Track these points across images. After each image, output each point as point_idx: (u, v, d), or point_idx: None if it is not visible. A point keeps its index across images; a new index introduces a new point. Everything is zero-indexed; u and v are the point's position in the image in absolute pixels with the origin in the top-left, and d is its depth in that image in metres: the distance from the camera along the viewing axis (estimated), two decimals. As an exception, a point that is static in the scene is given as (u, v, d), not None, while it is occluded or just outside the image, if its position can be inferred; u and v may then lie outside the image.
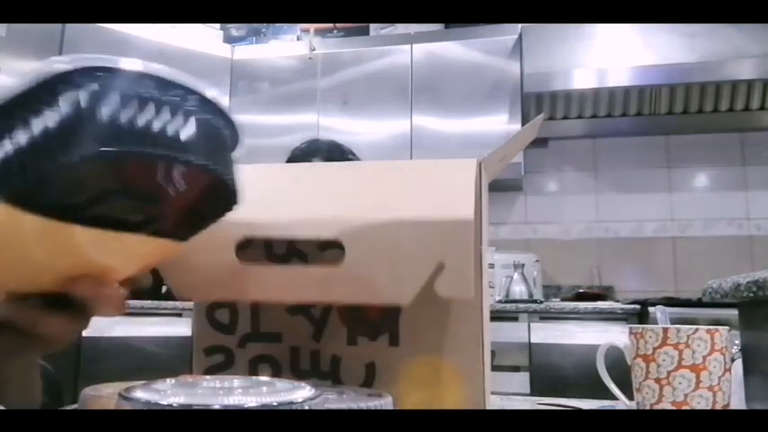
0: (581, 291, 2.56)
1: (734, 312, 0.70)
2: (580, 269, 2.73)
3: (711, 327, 0.55)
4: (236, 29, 3.04)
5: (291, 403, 0.24)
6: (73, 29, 2.55)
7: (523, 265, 2.48)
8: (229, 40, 3.00)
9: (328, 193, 0.42)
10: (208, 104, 0.29)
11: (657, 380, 0.55)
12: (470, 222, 0.36)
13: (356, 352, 0.43)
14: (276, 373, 0.44)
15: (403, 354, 0.42)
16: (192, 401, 0.23)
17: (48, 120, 0.26)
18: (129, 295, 0.34)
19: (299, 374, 0.44)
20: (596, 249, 2.74)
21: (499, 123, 2.58)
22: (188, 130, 0.28)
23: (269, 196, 0.41)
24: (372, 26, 2.91)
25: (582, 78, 2.43)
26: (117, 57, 0.27)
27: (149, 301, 2.25)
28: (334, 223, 0.38)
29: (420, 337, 0.42)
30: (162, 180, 0.30)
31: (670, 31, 2.34)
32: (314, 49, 2.82)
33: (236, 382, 0.27)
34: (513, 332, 2.22)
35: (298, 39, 2.99)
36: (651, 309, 2.07)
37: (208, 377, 0.28)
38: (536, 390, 2.15)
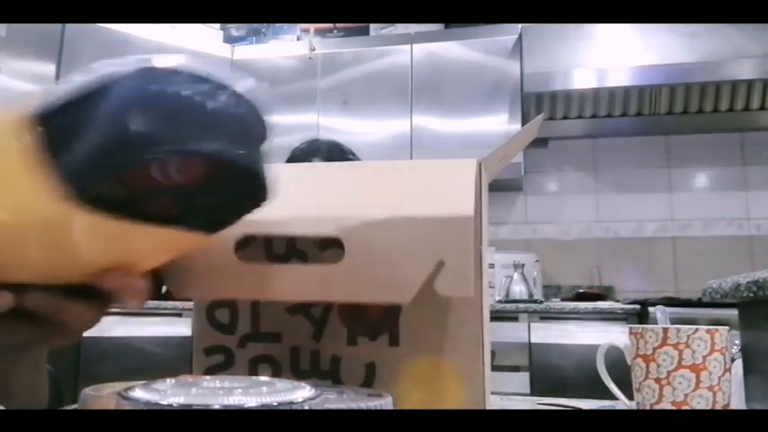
0: (581, 291, 2.56)
1: (734, 312, 0.70)
2: (580, 269, 2.73)
3: (711, 327, 0.55)
4: (236, 29, 3.04)
5: (291, 403, 0.24)
6: (73, 29, 2.55)
7: (523, 265, 2.49)
8: (229, 40, 3.01)
9: (328, 193, 0.42)
10: (239, 98, 0.30)
11: (657, 380, 0.55)
12: (470, 219, 0.36)
13: (356, 352, 0.43)
14: (276, 373, 0.44)
15: (403, 354, 0.42)
16: (192, 401, 0.23)
17: (105, 121, 0.27)
18: (151, 287, 0.35)
19: (299, 374, 0.44)
20: (596, 249, 2.74)
21: (499, 123, 2.58)
22: (223, 124, 0.29)
23: (269, 196, 0.41)
24: (372, 26, 2.91)
25: (582, 78, 2.43)
26: (155, 55, 0.28)
27: (149, 301, 2.25)
28: (333, 221, 0.38)
29: (420, 337, 0.42)
30: (201, 175, 0.31)
31: (670, 31, 2.34)
32: (314, 49, 2.82)
33: (236, 382, 0.27)
34: (513, 332, 2.22)
35: (298, 39, 2.99)
36: (651, 309, 2.07)
37: (208, 377, 0.28)
38: (536, 390, 2.15)
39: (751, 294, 0.63)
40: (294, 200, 0.40)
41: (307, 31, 2.93)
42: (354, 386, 0.41)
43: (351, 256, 0.37)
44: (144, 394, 0.24)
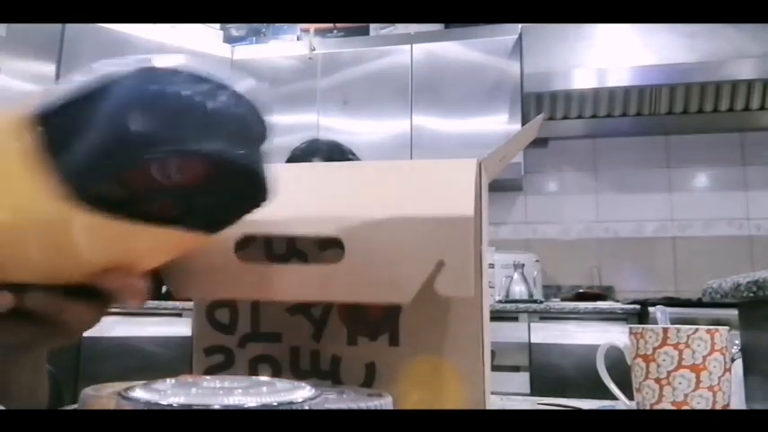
0: (581, 291, 2.56)
1: (734, 312, 0.70)
2: (580, 269, 2.73)
3: (711, 327, 0.55)
4: (236, 29, 3.04)
5: (291, 403, 0.24)
6: (73, 29, 2.55)
7: (523, 265, 2.49)
8: (229, 40, 3.01)
9: (328, 193, 0.42)
10: (239, 98, 0.30)
11: (657, 380, 0.55)
12: (470, 219, 0.36)
13: (356, 352, 0.43)
14: (276, 373, 0.44)
15: (403, 354, 0.42)
16: (192, 401, 0.23)
17: (105, 121, 0.27)
18: (151, 287, 0.35)
19: (299, 374, 0.44)
20: (596, 249, 2.74)
21: (499, 123, 2.58)
22: (223, 124, 0.29)
23: (269, 196, 0.41)
24: (372, 26, 2.91)
25: (582, 78, 2.43)
26: (155, 55, 0.28)
27: (149, 301, 2.25)
28: (333, 221, 0.38)
29: (420, 337, 0.42)
30: (201, 175, 0.31)
31: (670, 31, 2.34)
32: (314, 49, 2.82)
33: (236, 382, 0.27)
34: (513, 332, 2.22)
35: (298, 39, 2.99)
36: (651, 309, 2.07)
37: (208, 377, 0.28)
38: (536, 390, 2.15)
39: (751, 294, 0.63)
40: (294, 200, 0.40)
41: (307, 31, 2.93)
42: (354, 386, 0.41)
43: (351, 256, 0.37)
44: (144, 394, 0.24)
